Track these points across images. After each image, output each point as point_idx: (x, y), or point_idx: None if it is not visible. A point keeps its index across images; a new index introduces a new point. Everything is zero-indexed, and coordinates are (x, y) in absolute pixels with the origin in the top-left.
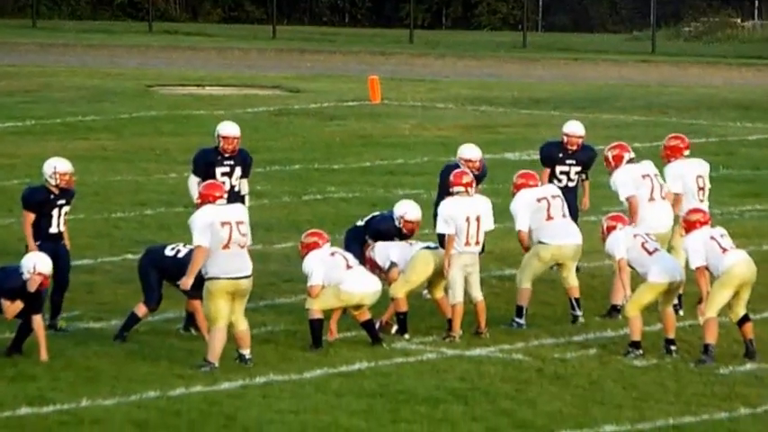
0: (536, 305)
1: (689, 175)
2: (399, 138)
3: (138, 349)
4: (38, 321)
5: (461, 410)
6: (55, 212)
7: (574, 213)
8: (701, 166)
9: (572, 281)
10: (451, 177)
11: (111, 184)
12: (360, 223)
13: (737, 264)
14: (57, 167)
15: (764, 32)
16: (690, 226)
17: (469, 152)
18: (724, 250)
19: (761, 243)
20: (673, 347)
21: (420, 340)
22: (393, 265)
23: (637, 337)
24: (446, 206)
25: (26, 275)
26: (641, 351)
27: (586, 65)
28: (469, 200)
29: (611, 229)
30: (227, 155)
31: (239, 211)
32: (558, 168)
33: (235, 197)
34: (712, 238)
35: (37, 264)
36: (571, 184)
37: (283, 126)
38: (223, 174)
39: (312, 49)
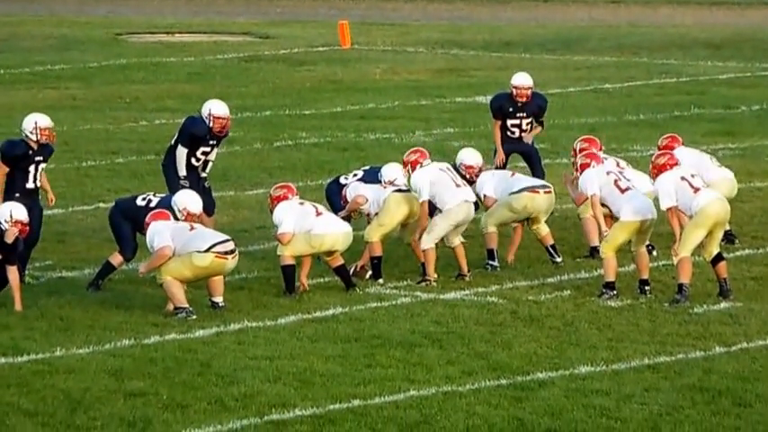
0: (509, 248)
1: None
2: (370, 82)
3: (112, 298)
4: (13, 272)
5: (437, 354)
6: (32, 168)
7: (535, 158)
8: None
9: (543, 230)
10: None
11: (82, 134)
12: (344, 180)
13: (711, 203)
14: (38, 122)
15: None
16: (660, 168)
17: (469, 158)
18: (696, 190)
19: None
20: (647, 288)
21: (394, 285)
22: (359, 196)
23: (611, 277)
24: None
25: (4, 225)
26: (615, 292)
27: (556, 6)
28: None
29: (584, 166)
30: (214, 134)
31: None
32: (510, 122)
33: (203, 168)
34: (683, 178)
35: (13, 212)
36: (525, 135)
37: (253, 72)
38: (204, 153)
39: None
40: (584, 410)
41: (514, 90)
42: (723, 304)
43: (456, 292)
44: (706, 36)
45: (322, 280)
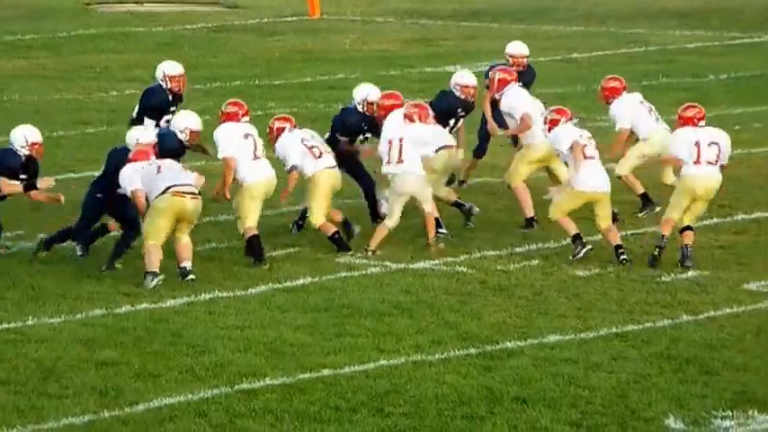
0: (477, 217)
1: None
2: (339, 52)
3: (83, 268)
4: None
5: (406, 323)
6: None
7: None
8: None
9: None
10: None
11: (52, 103)
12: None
13: (699, 177)
14: (27, 137)
15: None
16: (687, 121)
17: (463, 78)
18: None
19: None
20: (621, 251)
21: (364, 255)
22: (293, 168)
23: (573, 230)
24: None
25: (21, 151)
26: (588, 245)
27: None
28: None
29: (554, 122)
30: (172, 97)
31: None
32: None
33: None
34: (697, 143)
35: (27, 135)
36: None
37: (222, 42)
38: (167, 120)
39: None
40: (552, 379)
41: (511, 59)
42: (690, 273)
43: (425, 261)
44: (674, 5)
45: (292, 250)
